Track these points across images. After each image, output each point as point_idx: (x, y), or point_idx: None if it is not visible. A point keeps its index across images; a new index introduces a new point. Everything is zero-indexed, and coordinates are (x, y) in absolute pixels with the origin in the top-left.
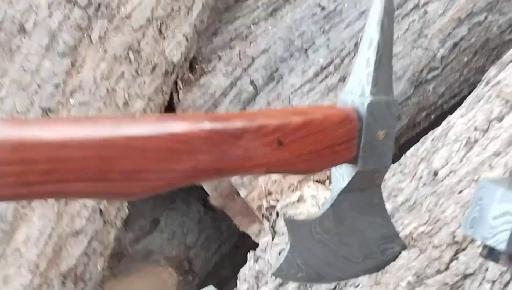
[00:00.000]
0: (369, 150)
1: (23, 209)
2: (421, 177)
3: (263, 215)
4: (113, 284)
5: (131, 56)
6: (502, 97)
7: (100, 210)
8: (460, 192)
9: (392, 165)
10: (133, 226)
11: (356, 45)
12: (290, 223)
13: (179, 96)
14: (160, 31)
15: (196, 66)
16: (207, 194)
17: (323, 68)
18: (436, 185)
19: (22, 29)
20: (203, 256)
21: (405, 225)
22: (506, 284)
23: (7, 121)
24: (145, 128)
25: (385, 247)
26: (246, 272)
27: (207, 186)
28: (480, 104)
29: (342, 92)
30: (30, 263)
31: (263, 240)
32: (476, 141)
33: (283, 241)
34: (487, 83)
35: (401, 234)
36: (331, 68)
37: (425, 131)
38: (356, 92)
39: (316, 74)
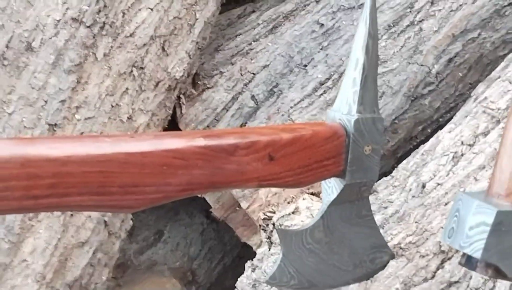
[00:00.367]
0: (356, 165)
1: (30, 221)
2: (410, 190)
3: (260, 226)
4: None
5: (135, 72)
6: (488, 113)
7: (105, 222)
8: (446, 204)
9: (385, 177)
10: (138, 237)
11: None
12: (283, 233)
13: (182, 110)
14: (163, 48)
15: (199, 82)
16: (210, 206)
17: (321, 84)
18: (424, 197)
19: (29, 47)
20: (206, 266)
21: (393, 235)
22: None
23: (15, 140)
24: (143, 145)
25: (374, 256)
26: (243, 281)
27: (210, 198)
28: (467, 119)
29: (330, 110)
30: (36, 273)
31: (260, 250)
32: (462, 155)
33: (278, 252)
34: (475, 99)
35: (390, 244)
36: (329, 83)
37: (421, 144)
38: (343, 109)
39: (315, 89)
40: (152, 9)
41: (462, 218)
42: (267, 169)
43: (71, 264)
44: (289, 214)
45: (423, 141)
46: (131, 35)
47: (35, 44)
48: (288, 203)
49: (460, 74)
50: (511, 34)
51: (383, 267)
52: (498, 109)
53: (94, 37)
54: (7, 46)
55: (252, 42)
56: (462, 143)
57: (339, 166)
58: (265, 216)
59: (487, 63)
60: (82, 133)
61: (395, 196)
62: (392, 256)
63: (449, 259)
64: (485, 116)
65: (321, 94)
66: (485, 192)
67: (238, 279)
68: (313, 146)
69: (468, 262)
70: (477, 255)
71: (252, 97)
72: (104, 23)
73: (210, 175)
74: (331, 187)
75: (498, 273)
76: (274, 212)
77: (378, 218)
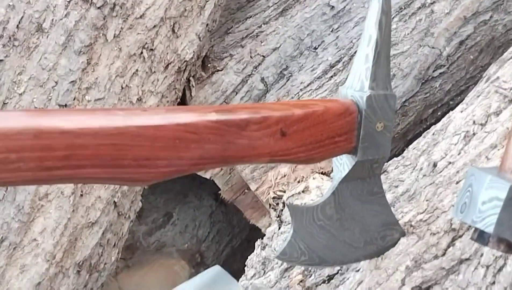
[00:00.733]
0: (368, 141)
1: (40, 200)
2: (421, 169)
3: (270, 205)
4: (126, 275)
5: (145, 54)
6: (500, 92)
7: (115, 203)
8: (457, 182)
9: (395, 158)
10: (147, 219)
11: None
12: (294, 209)
13: (192, 93)
14: (173, 30)
15: (208, 64)
16: (219, 189)
17: (331, 66)
18: (435, 176)
19: (40, 28)
20: (215, 249)
21: (404, 213)
22: (500, 269)
23: (29, 111)
24: (156, 118)
25: (385, 234)
26: (253, 259)
27: (219, 181)
28: (479, 99)
29: (342, 86)
30: (46, 253)
31: (270, 229)
32: (474, 134)
33: (288, 230)
34: (487, 79)
35: (401, 222)
36: (339, 66)
37: (431, 127)
38: (355, 86)
39: (325, 72)
40: None
41: (474, 193)
42: (279, 145)
43: (81, 244)
44: (299, 193)
45: (433, 124)
46: (141, 16)
47: (45, 25)
48: (299, 182)
49: (471, 57)
50: None
51: (393, 244)
52: (511, 89)
53: (104, 18)
54: (17, 27)
55: (262, 25)
56: (474, 122)
57: (351, 143)
58: (275, 195)
59: (498, 46)
60: None
61: (406, 175)
62: (403, 234)
63: (460, 236)
64: (497, 96)
65: (331, 77)
66: (498, 168)
67: (248, 257)
68: (325, 122)
69: (480, 237)
70: (490, 230)
71: (262, 79)
72: (114, 4)
73: (222, 150)
74: (342, 164)
75: (510, 248)
76: (284, 191)
77: (389, 196)
